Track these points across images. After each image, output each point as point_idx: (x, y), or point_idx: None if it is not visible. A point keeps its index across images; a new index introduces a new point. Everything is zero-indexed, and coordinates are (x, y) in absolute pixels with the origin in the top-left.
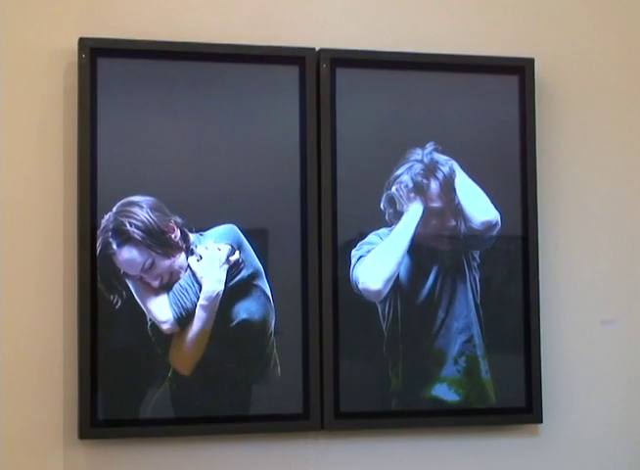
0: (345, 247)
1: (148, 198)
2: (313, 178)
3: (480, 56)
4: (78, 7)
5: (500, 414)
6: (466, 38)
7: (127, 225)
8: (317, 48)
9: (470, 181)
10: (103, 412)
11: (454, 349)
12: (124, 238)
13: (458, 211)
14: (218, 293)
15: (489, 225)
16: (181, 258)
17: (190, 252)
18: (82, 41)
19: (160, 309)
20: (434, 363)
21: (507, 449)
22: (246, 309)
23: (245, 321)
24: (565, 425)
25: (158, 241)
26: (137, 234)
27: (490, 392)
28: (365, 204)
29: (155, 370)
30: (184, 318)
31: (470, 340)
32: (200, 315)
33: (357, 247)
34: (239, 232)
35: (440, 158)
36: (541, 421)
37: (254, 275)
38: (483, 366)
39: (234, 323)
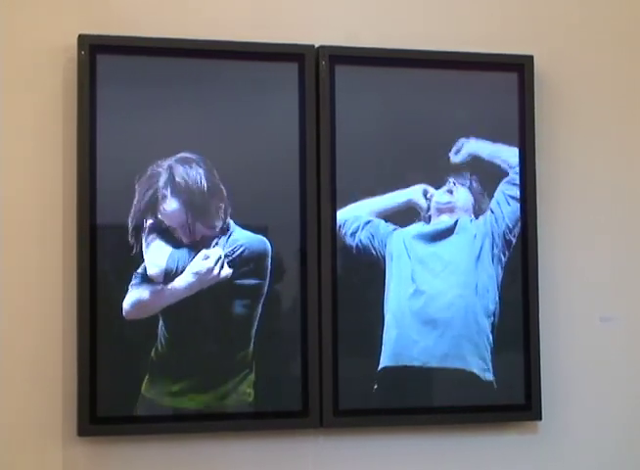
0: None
1: None
2: (312, 175)
3: (479, 53)
4: (78, 3)
5: (499, 411)
6: (465, 35)
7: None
8: (316, 45)
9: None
10: (102, 409)
11: (453, 346)
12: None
13: None
14: (186, 288)
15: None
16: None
17: (226, 234)
18: (82, 38)
19: (159, 256)
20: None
21: (506, 447)
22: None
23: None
24: (564, 422)
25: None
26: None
27: (490, 389)
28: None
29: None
30: (169, 275)
31: (470, 338)
32: (173, 287)
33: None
34: (260, 249)
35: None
36: (540, 418)
37: (248, 296)
38: (483, 363)
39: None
